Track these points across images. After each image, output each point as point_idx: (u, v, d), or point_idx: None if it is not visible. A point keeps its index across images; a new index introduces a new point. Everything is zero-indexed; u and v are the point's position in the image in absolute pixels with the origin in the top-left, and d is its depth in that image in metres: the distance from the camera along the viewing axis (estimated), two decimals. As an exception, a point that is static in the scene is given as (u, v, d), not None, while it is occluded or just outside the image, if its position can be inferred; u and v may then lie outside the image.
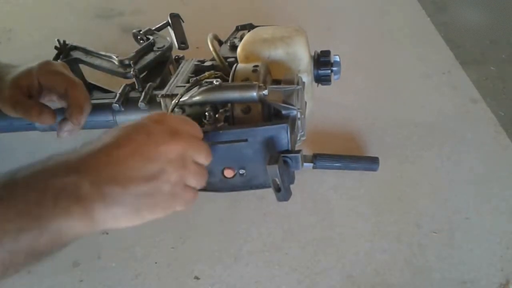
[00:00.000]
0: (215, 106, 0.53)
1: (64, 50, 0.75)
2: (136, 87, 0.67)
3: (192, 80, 0.55)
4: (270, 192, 0.48)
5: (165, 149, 0.37)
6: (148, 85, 0.66)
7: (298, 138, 0.58)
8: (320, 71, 0.67)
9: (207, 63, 0.69)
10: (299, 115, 0.53)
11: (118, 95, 0.65)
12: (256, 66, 0.57)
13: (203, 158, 0.41)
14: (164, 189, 0.36)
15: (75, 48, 0.76)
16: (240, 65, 0.59)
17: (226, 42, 0.77)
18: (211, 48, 0.67)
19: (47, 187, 0.31)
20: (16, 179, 0.32)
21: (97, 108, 0.64)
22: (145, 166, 0.35)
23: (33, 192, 0.31)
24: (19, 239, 0.30)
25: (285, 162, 0.48)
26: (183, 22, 0.80)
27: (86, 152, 0.35)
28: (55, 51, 0.75)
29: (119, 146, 0.36)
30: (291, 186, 0.49)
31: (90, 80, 0.77)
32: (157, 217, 0.37)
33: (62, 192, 0.32)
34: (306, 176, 0.72)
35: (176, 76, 0.65)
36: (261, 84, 0.52)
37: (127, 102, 0.65)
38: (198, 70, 0.68)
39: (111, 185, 0.33)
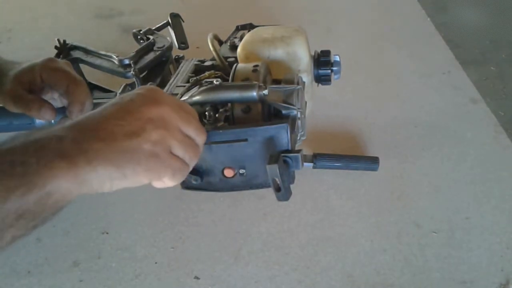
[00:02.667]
0: (215, 105, 0.53)
1: (64, 50, 0.75)
2: (136, 87, 0.67)
3: (192, 79, 0.55)
4: (270, 192, 0.47)
5: (147, 109, 0.38)
6: (148, 84, 0.65)
7: (298, 137, 0.57)
8: (320, 71, 0.67)
9: (207, 63, 0.69)
10: (299, 115, 0.53)
11: (118, 94, 0.65)
12: (256, 66, 0.57)
13: (192, 130, 0.41)
14: (145, 148, 0.37)
15: (75, 47, 0.77)
16: (240, 65, 0.59)
17: (226, 42, 0.77)
18: (211, 48, 0.67)
19: (29, 146, 0.32)
20: (1, 149, 0.32)
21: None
22: (127, 124, 0.37)
23: (18, 154, 0.32)
24: (6, 198, 0.30)
25: (285, 161, 0.48)
26: (183, 22, 0.80)
27: (73, 120, 0.36)
28: (55, 51, 0.75)
29: (104, 109, 0.37)
30: (291, 186, 0.49)
31: (90, 79, 0.77)
32: (141, 180, 0.37)
33: (44, 149, 0.32)
34: (306, 176, 0.72)
35: (176, 75, 0.65)
36: (261, 84, 0.52)
37: (127, 101, 0.65)
38: (198, 70, 0.68)
39: (93, 141, 0.34)
